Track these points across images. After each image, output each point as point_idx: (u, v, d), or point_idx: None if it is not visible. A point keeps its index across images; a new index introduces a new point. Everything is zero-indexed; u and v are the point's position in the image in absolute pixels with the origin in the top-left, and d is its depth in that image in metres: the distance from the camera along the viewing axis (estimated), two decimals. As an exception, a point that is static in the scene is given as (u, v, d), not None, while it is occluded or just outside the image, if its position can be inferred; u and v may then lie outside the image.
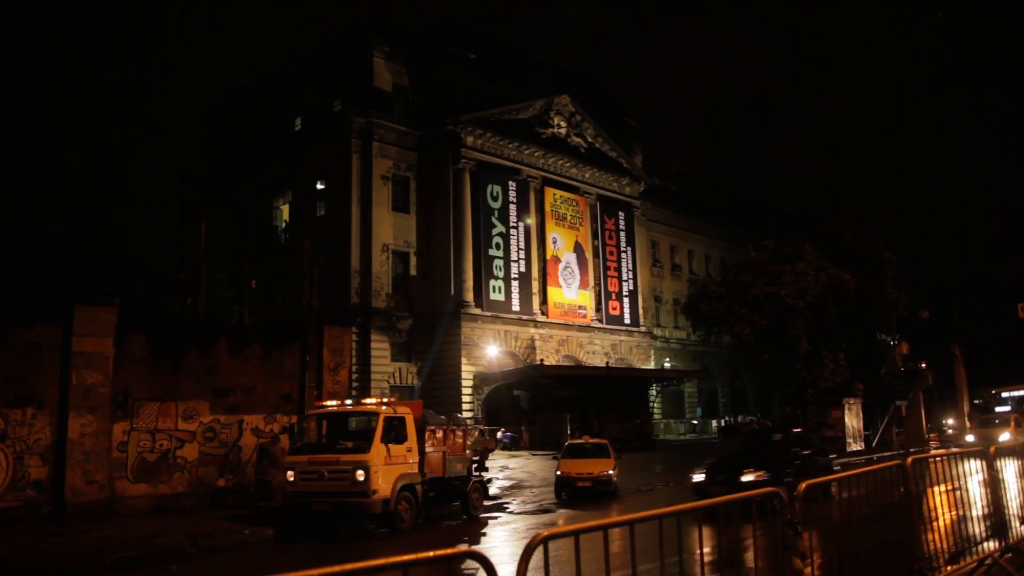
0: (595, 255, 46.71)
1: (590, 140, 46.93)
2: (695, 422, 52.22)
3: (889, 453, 31.17)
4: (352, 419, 16.26)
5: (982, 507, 8.45)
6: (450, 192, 40.10)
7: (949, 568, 7.39)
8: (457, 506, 17.22)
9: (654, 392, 46.35)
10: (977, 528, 8.15)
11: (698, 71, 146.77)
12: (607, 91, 53.39)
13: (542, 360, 39.82)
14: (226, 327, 24.71)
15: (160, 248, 28.25)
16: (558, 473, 19.64)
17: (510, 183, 42.09)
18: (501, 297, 40.65)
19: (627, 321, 48.14)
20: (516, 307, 41.21)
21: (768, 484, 11.82)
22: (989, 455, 8.68)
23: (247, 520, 15.43)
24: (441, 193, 40.30)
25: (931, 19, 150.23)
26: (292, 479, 14.72)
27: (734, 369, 54.00)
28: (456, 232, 39.72)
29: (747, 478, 14.50)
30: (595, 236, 46.94)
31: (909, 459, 7.56)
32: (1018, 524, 8.70)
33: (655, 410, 47.61)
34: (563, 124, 45.32)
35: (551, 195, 44.47)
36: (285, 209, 43.65)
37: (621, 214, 48.86)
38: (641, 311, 49.77)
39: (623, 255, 48.50)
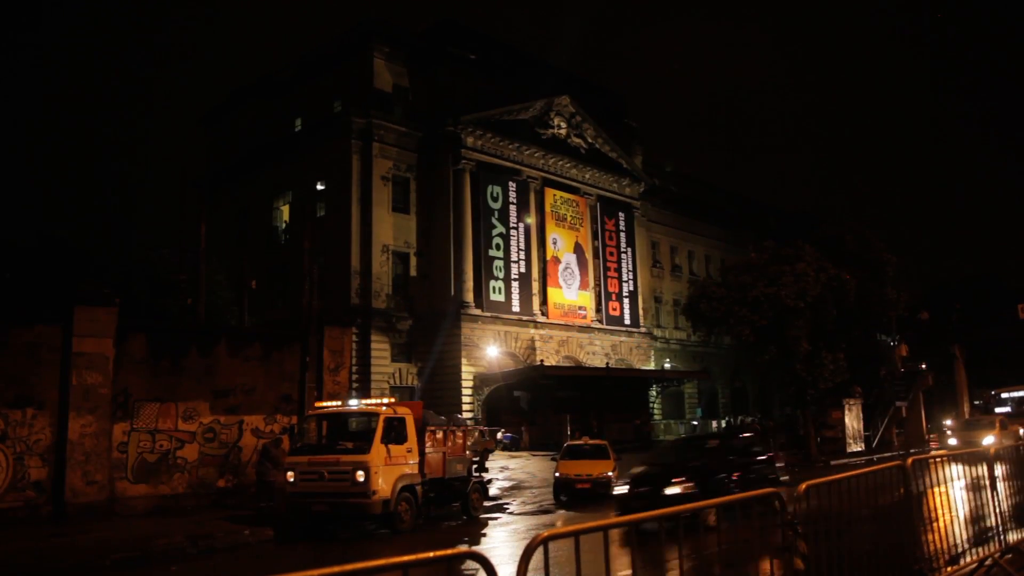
0: (595, 256, 46.72)
1: (590, 141, 46.95)
2: (695, 423, 52.20)
3: (889, 454, 31.19)
4: (352, 420, 16.27)
5: (982, 508, 8.46)
6: (450, 193, 40.12)
7: (949, 569, 7.40)
8: (457, 507, 17.22)
9: (654, 393, 46.35)
10: (977, 529, 8.16)
11: (698, 71, 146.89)
12: (607, 92, 53.40)
13: (542, 361, 39.83)
14: (226, 327, 24.71)
15: (160, 248, 28.26)
16: (557, 475, 19.51)
17: (510, 184, 42.11)
18: (501, 298, 40.66)
19: (627, 322, 48.15)
20: (516, 308, 41.22)
21: (695, 498, 11.23)
22: (989, 457, 8.68)
23: (247, 521, 15.44)
24: (441, 194, 40.31)
25: (931, 19, 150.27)
26: (292, 480, 14.73)
27: (734, 370, 54.00)
28: (456, 233, 39.73)
29: (672, 491, 12.92)
30: (595, 237, 46.96)
31: (909, 460, 7.56)
32: (1017, 525, 8.70)
33: (655, 411, 47.61)
34: (563, 125, 45.34)
35: (551, 196, 44.49)
36: (285, 210, 43.67)
37: (621, 215, 48.88)
38: (641, 312, 49.79)
39: (623, 256, 48.52)
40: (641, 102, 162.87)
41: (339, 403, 16.60)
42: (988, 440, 24.31)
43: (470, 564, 4.07)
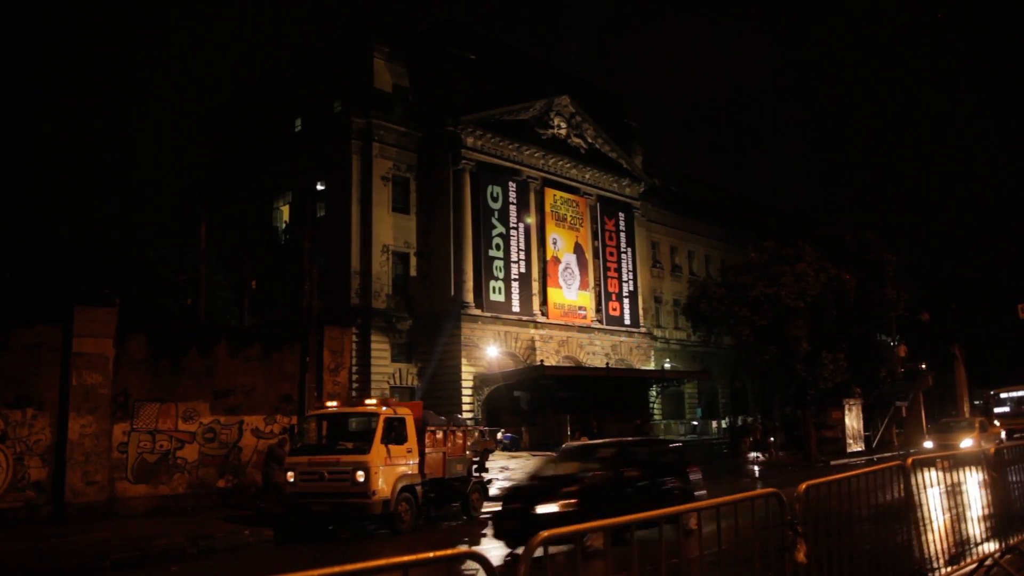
0: (595, 256, 46.72)
1: (590, 141, 46.96)
2: (695, 423, 52.20)
3: (889, 454, 31.19)
4: (352, 420, 16.27)
5: (982, 508, 8.46)
6: (450, 193, 40.12)
7: (949, 569, 7.40)
8: (457, 507, 17.21)
9: (654, 393, 46.35)
10: (977, 529, 8.16)
11: (698, 71, 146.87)
12: (607, 92, 53.40)
13: (542, 361, 39.82)
14: (226, 328, 24.73)
15: (160, 248, 28.28)
16: None
17: (510, 184, 42.11)
18: (501, 298, 40.66)
19: (627, 322, 48.15)
20: (516, 308, 41.22)
21: (574, 519, 9.26)
22: (989, 457, 8.69)
23: (247, 521, 15.44)
24: (441, 194, 40.32)
25: (932, 19, 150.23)
26: (292, 480, 14.73)
27: (734, 370, 54.00)
28: (456, 233, 39.73)
29: (546, 509, 11.05)
30: (595, 237, 46.96)
31: (909, 460, 7.57)
32: (1017, 525, 8.70)
33: (655, 411, 47.60)
34: (563, 125, 45.35)
35: (551, 196, 44.49)
36: (285, 210, 43.68)
37: (621, 215, 48.88)
38: (641, 312, 49.79)
39: (623, 256, 48.52)
40: (641, 102, 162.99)
41: (337, 403, 16.59)
42: (966, 443, 23.73)
43: (470, 564, 4.07)
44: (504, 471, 25.98)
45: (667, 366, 51.15)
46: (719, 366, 54.08)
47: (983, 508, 8.47)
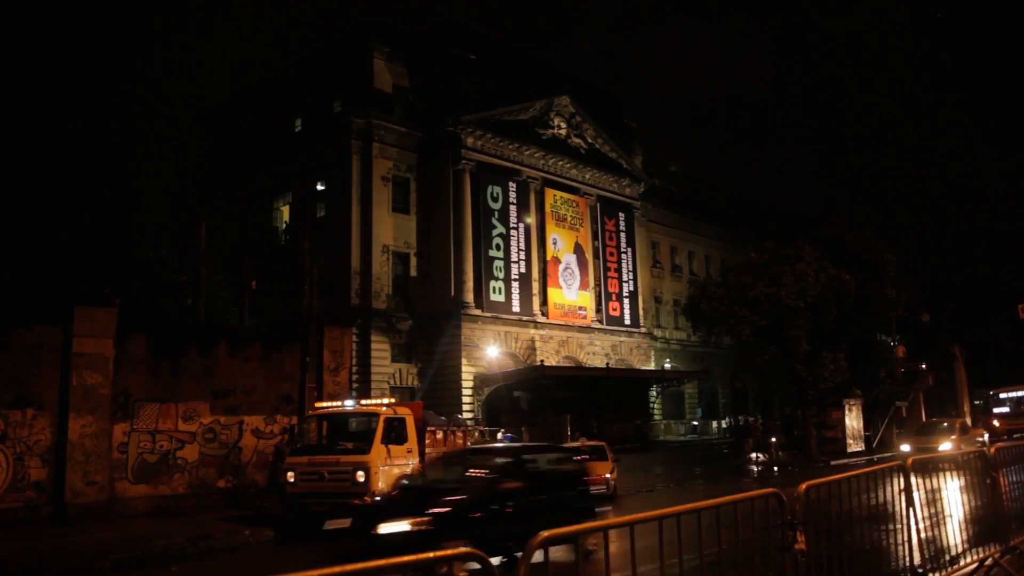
0: (595, 256, 46.72)
1: (590, 141, 46.95)
2: (695, 423, 52.24)
3: (889, 454, 31.17)
4: (352, 420, 16.27)
5: (982, 508, 8.46)
6: (450, 193, 40.12)
7: (949, 569, 7.40)
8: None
9: (654, 393, 46.34)
10: (977, 529, 8.16)
11: (698, 71, 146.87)
12: (607, 92, 53.40)
13: (542, 361, 39.82)
14: (226, 328, 24.76)
15: (160, 248, 28.34)
16: None
17: (510, 184, 42.11)
18: (501, 298, 40.66)
19: (627, 322, 48.14)
20: (516, 308, 41.21)
21: (426, 540, 8.68)
22: (989, 457, 8.68)
23: (247, 521, 15.44)
24: (441, 194, 40.31)
25: (931, 19, 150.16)
26: (292, 480, 14.73)
27: (734, 370, 53.95)
28: (456, 233, 39.73)
29: (391, 528, 9.36)
30: (595, 237, 46.96)
31: (909, 460, 7.57)
32: (1017, 525, 8.70)
33: (655, 411, 47.61)
34: (563, 125, 45.34)
35: (551, 196, 44.49)
36: (285, 210, 43.68)
37: (621, 215, 48.88)
38: (641, 312, 49.79)
39: (623, 256, 48.52)
40: (641, 102, 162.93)
41: (339, 403, 16.60)
42: (945, 446, 23.03)
43: (470, 564, 4.07)
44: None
45: (667, 366, 51.15)
46: (719, 366, 54.08)
47: (983, 508, 8.47)
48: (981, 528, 8.20)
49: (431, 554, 3.71)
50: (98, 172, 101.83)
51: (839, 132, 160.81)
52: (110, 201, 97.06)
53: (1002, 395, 37.34)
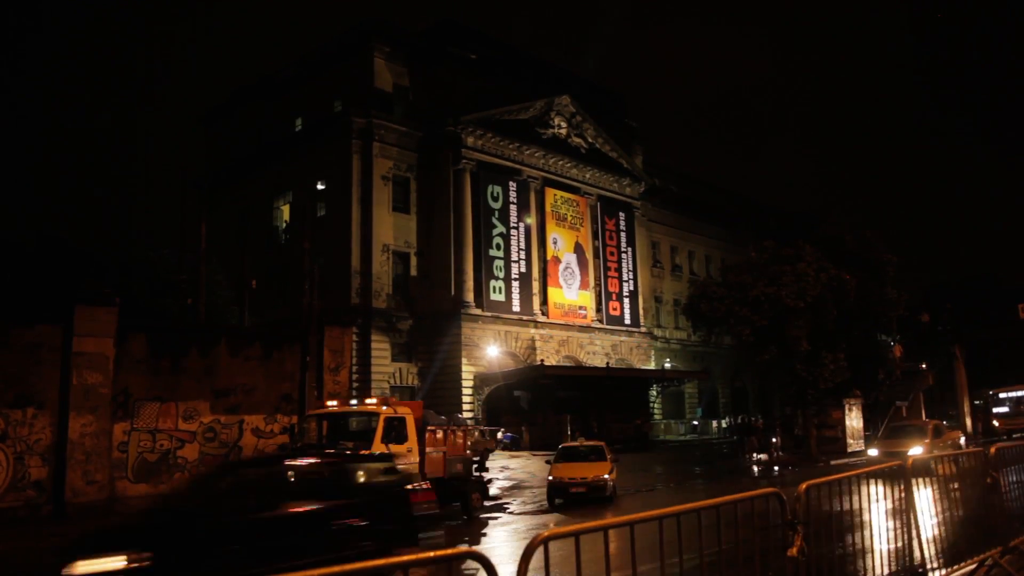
0: (595, 256, 46.74)
1: (590, 140, 46.96)
2: (696, 423, 52.24)
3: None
4: (352, 419, 16.27)
5: (982, 508, 8.45)
6: (450, 192, 40.13)
7: (949, 569, 7.40)
8: (457, 506, 17.21)
9: (654, 393, 46.35)
10: (977, 529, 8.15)
11: (698, 71, 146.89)
12: (607, 91, 53.42)
13: (542, 361, 39.83)
14: (226, 327, 24.75)
15: (160, 248, 28.32)
16: (550, 478, 18.60)
17: (510, 183, 42.12)
18: (501, 297, 40.67)
19: (627, 322, 48.16)
20: (516, 307, 41.23)
21: None
22: (989, 456, 8.68)
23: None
24: (441, 193, 40.32)
25: (932, 19, 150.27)
26: (292, 479, 14.70)
27: (734, 370, 54.06)
28: (456, 232, 39.74)
29: (89, 568, 7.02)
30: (595, 237, 46.98)
31: (910, 460, 7.57)
32: (1017, 525, 8.70)
33: (656, 411, 47.61)
34: (563, 124, 45.35)
35: (551, 195, 44.50)
36: (285, 209, 43.69)
37: (621, 215, 48.89)
38: (641, 312, 49.80)
39: (623, 256, 48.54)
40: (641, 102, 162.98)
41: (336, 403, 16.60)
42: (916, 450, 20.58)
43: (470, 564, 4.07)
44: (504, 471, 26.02)
45: (667, 366, 51.17)
46: (719, 366, 54.10)
47: (983, 508, 8.46)
48: (981, 528, 8.20)
49: (431, 553, 3.72)
50: (98, 172, 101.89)
51: (839, 132, 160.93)
52: (110, 201, 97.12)
53: (1002, 395, 37.38)
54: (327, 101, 42.17)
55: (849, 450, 33.29)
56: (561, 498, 18.26)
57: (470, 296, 39.42)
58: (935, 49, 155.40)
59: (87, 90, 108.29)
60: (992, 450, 8.79)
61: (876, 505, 7.03)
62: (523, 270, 41.93)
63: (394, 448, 14.73)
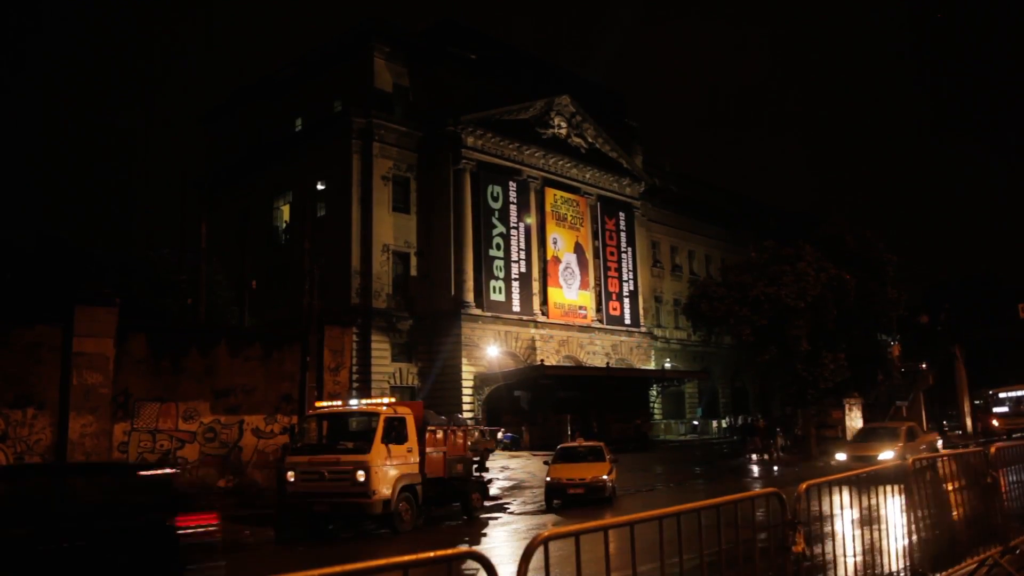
0: (595, 255, 46.73)
1: (590, 140, 46.95)
2: (696, 423, 52.25)
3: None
4: (353, 419, 16.26)
5: (983, 508, 8.45)
6: (450, 192, 40.13)
7: (949, 569, 7.39)
8: (457, 506, 17.21)
9: (655, 393, 46.34)
10: (977, 529, 8.15)
11: (698, 71, 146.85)
12: (607, 91, 53.41)
13: (542, 360, 39.83)
14: (226, 327, 24.73)
15: (160, 248, 28.33)
16: (548, 479, 18.46)
17: (510, 183, 42.11)
18: (501, 297, 40.66)
19: (627, 322, 48.14)
20: (516, 307, 41.22)
21: None
22: (991, 456, 8.68)
23: (247, 521, 15.42)
24: (441, 193, 40.32)
25: (932, 19, 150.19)
26: (292, 479, 14.72)
27: (735, 370, 54.04)
28: (456, 232, 39.73)
29: None
30: (595, 236, 46.97)
31: (910, 459, 7.57)
32: (1018, 525, 8.70)
33: (656, 411, 47.61)
34: (563, 124, 45.35)
35: (551, 195, 44.49)
36: (286, 210, 43.68)
37: (621, 214, 48.88)
38: (641, 312, 49.79)
39: (623, 255, 48.53)
40: (641, 102, 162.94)
41: (339, 403, 16.59)
42: (886, 455, 19.54)
43: (471, 564, 4.07)
44: (504, 471, 26.02)
45: (667, 366, 51.17)
46: (719, 366, 54.09)
47: (984, 508, 8.46)
48: (981, 528, 8.20)
49: (431, 553, 3.71)
50: (98, 172, 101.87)
51: (839, 132, 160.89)
52: (110, 201, 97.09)
53: (1001, 395, 37.34)
54: (327, 101, 42.16)
55: (849, 450, 33.26)
56: (559, 499, 18.15)
57: (470, 296, 39.42)
58: (935, 49, 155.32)
59: (87, 90, 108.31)
60: (992, 450, 8.79)
61: (877, 505, 7.03)
62: (523, 270, 41.93)
63: (394, 448, 14.74)
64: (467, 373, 38.43)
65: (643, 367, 47.66)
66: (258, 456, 18.85)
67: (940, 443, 24.26)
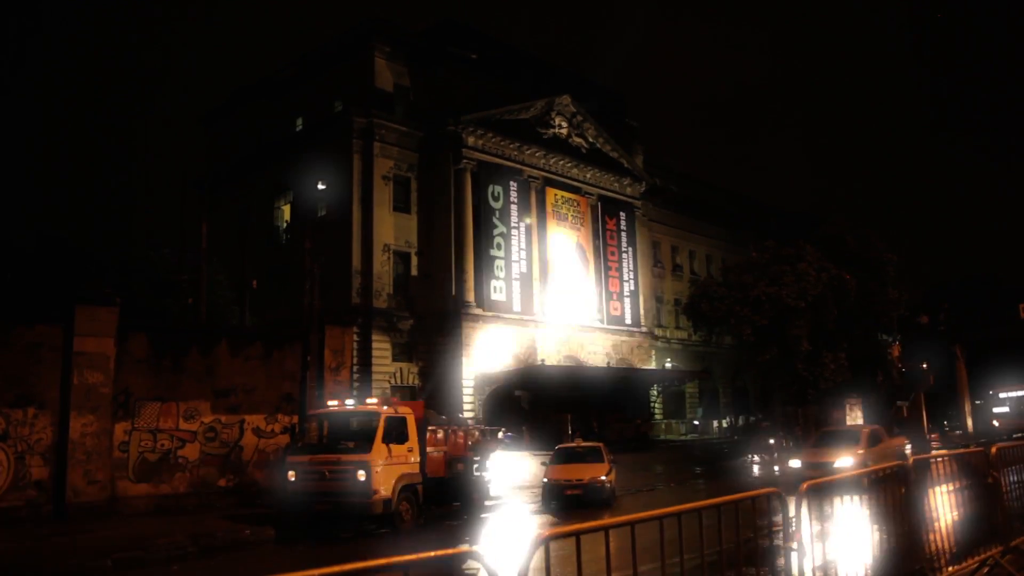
0: (596, 255, 46.70)
1: (591, 140, 46.94)
2: (696, 423, 52.24)
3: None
4: (353, 419, 16.27)
5: (983, 508, 8.45)
6: (451, 192, 40.12)
7: (950, 568, 7.40)
8: (458, 506, 17.21)
9: (655, 392, 46.32)
10: (977, 529, 8.15)
11: (698, 71, 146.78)
12: (608, 91, 53.37)
13: (543, 360, 39.82)
14: (227, 327, 24.78)
15: (160, 248, 28.33)
16: (545, 480, 18.29)
17: (511, 183, 42.11)
18: (502, 297, 40.66)
19: (628, 321, 48.12)
20: (517, 307, 41.20)
21: None
22: (991, 457, 8.68)
23: (248, 520, 15.44)
24: (442, 193, 40.31)
25: (932, 19, 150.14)
26: (293, 479, 14.73)
27: (735, 370, 54.03)
28: (457, 232, 39.73)
29: None
30: (596, 236, 46.95)
31: (911, 459, 7.57)
32: (1018, 525, 8.70)
33: (656, 411, 47.60)
34: (564, 124, 45.34)
35: (552, 195, 44.49)
36: (286, 209, 43.68)
37: (622, 214, 48.87)
38: (642, 311, 49.76)
39: (624, 255, 48.51)
40: (641, 102, 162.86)
41: (351, 401, 16.58)
42: (844, 462, 18.13)
43: (471, 563, 4.07)
44: (505, 471, 25.99)
45: (668, 366, 51.14)
46: (720, 366, 54.08)
47: (984, 508, 8.46)
48: (981, 528, 8.20)
49: (431, 553, 3.72)
50: (98, 172, 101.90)
51: (839, 132, 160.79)
52: (110, 201, 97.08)
53: (1002, 395, 37.37)
54: (327, 101, 42.15)
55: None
56: (556, 500, 17.96)
57: (471, 296, 39.41)
58: (935, 49, 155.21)
59: (87, 90, 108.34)
60: (993, 450, 8.79)
61: (877, 505, 7.03)
62: (524, 270, 41.93)
63: (395, 448, 14.75)
64: (467, 373, 38.41)
65: (643, 367, 47.63)
66: (259, 455, 18.87)
67: (908, 448, 22.83)
